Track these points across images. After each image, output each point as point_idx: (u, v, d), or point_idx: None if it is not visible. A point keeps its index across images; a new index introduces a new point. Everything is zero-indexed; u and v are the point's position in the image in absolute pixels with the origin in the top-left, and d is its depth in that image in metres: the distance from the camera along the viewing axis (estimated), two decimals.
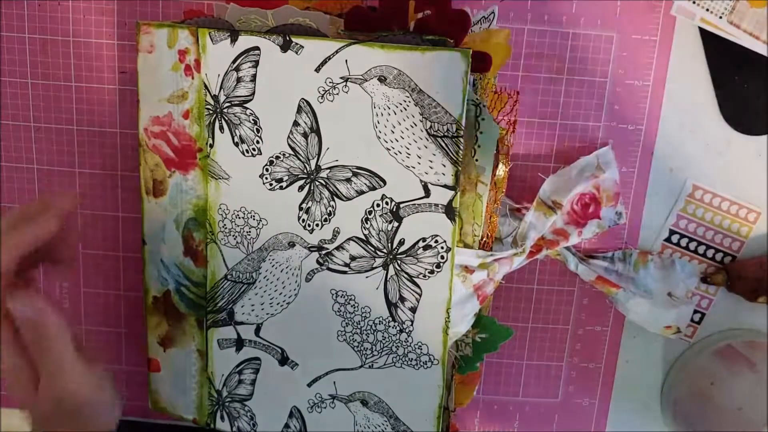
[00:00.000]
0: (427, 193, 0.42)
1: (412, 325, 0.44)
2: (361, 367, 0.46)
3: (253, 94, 0.43)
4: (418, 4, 0.42)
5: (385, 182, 0.42)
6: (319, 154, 0.43)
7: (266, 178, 0.44)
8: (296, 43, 0.41)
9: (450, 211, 0.42)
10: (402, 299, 0.44)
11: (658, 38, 0.46)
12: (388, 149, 0.42)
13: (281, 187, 0.44)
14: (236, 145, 0.44)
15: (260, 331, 0.47)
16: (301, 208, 0.44)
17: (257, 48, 0.42)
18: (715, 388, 0.48)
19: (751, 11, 0.43)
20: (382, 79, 0.41)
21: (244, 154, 0.44)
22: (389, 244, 0.43)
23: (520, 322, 0.51)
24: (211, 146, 0.45)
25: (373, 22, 0.42)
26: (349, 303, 0.45)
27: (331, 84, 0.42)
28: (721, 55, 0.46)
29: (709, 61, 0.47)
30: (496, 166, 0.43)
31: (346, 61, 0.41)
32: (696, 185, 0.49)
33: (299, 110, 0.42)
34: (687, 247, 0.50)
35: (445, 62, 0.40)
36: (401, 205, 0.43)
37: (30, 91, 0.49)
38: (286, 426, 0.48)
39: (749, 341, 0.50)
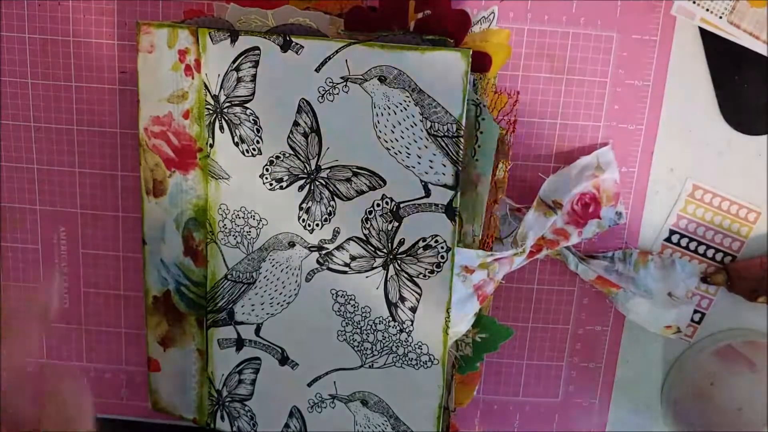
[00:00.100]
0: (427, 193, 0.42)
1: (412, 325, 0.44)
2: (361, 367, 0.46)
3: (253, 94, 0.43)
4: (418, 4, 0.42)
5: (385, 182, 0.42)
6: (319, 154, 0.43)
7: (266, 178, 0.44)
8: (296, 43, 0.41)
9: (450, 211, 0.42)
10: (402, 299, 0.44)
11: (658, 38, 0.46)
12: (388, 149, 0.42)
13: (281, 187, 0.44)
14: (236, 145, 0.44)
15: (260, 330, 0.47)
16: (301, 208, 0.44)
17: (257, 48, 0.42)
18: (715, 388, 0.48)
19: (751, 11, 0.43)
20: (382, 79, 0.41)
21: (244, 154, 0.44)
22: (389, 244, 0.43)
23: (520, 322, 0.51)
24: (211, 146, 0.45)
25: (373, 22, 0.42)
26: (349, 303, 0.45)
27: (331, 84, 0.42)
28: (721, 55, 0.46)
29: (709, 61, 0.47)
30: (496, 166, 0.43)
31: (346, 61, 0.41)
32: (696, 185, 0.49)
33: (299, 110, 0.42)
34: (687, 247, 0.50)
35: (445, 62, 0.40)
36: (401, 205, 0.43)
37: (30, 91, 0.49)
38: (286, 426, 0.48)
39: (749, 341, 0.50)
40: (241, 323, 0.47)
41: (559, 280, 0.50)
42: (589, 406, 0.53)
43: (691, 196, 0.49)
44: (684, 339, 0.51)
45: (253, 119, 0.43)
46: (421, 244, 0.43)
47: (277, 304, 0.46)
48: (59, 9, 0.47)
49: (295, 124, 0.43)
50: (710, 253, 0.50)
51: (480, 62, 0.43)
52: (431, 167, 0.41)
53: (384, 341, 0.45)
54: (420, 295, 0.43)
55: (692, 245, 0.50)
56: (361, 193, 0.43)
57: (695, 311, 0.51)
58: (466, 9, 0.43)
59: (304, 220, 0.44)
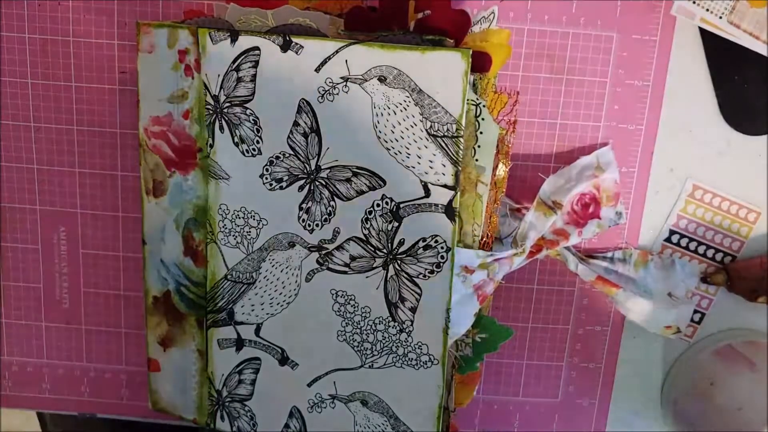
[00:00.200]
0: (427, 193, 0.42)
1: (412, 325, 0.44)
2: (361, 367, 0.46)
3: (253, 94, 0.43)
4: (418, 4, 0.42)
5: (385, 182, 0.42)
6: (319, 154, 0.43)
7: (266, 178, 0.44)
8: (296, 43, 0.41)
9: (450, 211, 0.42)
10: (402, 299, 0.44)
11: (658, 38, 0.46)
12: (388, 149, 0.42)
13: (281, 187, 0.44)
14: (236, 145, 0.44)
15: (260, 331, 0.47)
16: (301, 208, 0.44)
17: (257, 48, 0.42)
18: (715, 388, 0.48)
19: (751, 11, 0.43)
20: (382, 79, 0.41)
21: (244, 154, 0.44)
22: (389, 244, 0.43)
23: (520, 322, 0.51)
24: (211, 146, 0.45)
25: (373, 22, 0.42)
26: (349, 303, 0.45)
27: (331, 84, 0.42)
28: (721, 55, 0.46)
29: (709, 61, 0.47)
30: (496, 166, 0.43)
31: (346, 61, 0.41)
32: (696, 185, 0.49)
33: (299, 110, 0.42)
34: (687, 247, 0.50)
35: (445, 62, 0.40)
36: (401, 205, 0.43)
37: (30, 91, 0.49)
38: (286, 426, 0.48)
39: (749, 341, 0.50)
40: (241, 323, 0.47)
41: (559, 281, 0.50)
42: (589, 406, 0.53)
43: (691, 196, 0.49)
44: (684, 339, 0.51)
45: (253, 119, 0.43)
46: (421, 244, 0.43)
47: (277, 304, 0.46)
48: (59, 9, 0.47)
49: (295, 124, 0.43)
50: (710, 253, 0.50)
51: (480, 62, 0.43)
52: (431, 167, 0.41)
53: (384, 341, 0.45)
54: (420, 295, 0.43)
55: (692, 245, 0.50)
56: (361, 193, 0.43)
57: (695, 311, 0.51)
58: (466, 9, 0.43)
59: (304, 221, 0.44)
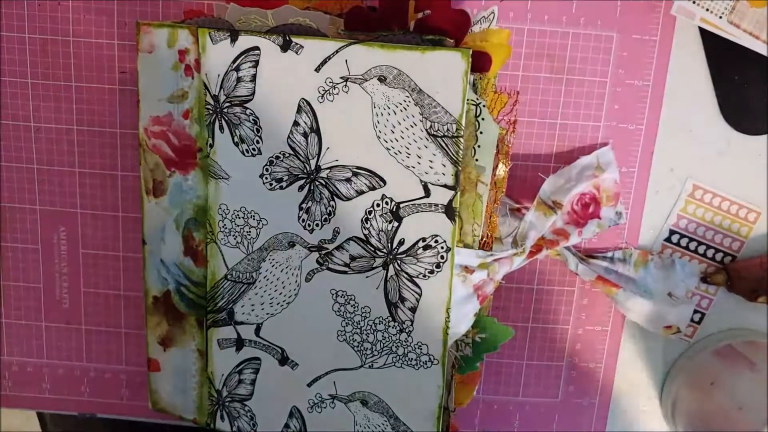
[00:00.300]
0: (427, 193, 0.42)
1: (412, 325, 0.44)
2: (361, 367, 0.46)
3: (253, 94, 0.43)
4: (418, 4, 0.42)
5: (385, 182, 0.42)
6: (319, 154, 0.43)
7: (266, 178, 0.44)
8: (296, 43, 0.41)
9: (450, 211, 0.42)
10: (402, 299, 0.44)
11: (658, 38, 0.46)
12: (388, 149, 0.42)
13: (281, 187, 0.44)
14: (236, 145, 0.44)
15: (260, 331, 0.47)
16: (301, 208, 0.44)
17: (257, 48, 0.42)
18: (715, 388, 0.48)
19: (751, 11, 0.43)
20: (382, 79, 0.41)
21: (244, 154, 0.44)
22: (389, 244, 0.43)
23: (520, 322, 0.51)
24: (211, 146, 0.45)
25: (373, 22, 0.42)
26: (349, 303, 0.45)
27: (331, 84, 0.42)
28: (721, 55, 0.46)
29: (709, 61, 0.47)
30: (496, 166, 0.43)
31: (346, 61, 0.41)
32: (696, 185, 0.49)
33: (299, 110, 0.42)
34: (687, 247, 0.50)
35: (445, 62, 0.40)
36: (401, 205, 0.43)
37: (30, 91, 0.49)
38: (286, 426, 0.48)
39: (749, 341, 0.50)
40: (241, 323, 0.47)
41: (559, 281, 0.50)
42: (589, 406, 0.53)
43: (691, 196, 0.49)
44: (684, 339, 0.51)
45: (253, 119, 0.43)
46: (421, 244, 0.43)
47: (277, 304, 0.46)
48: (59, 9, 0.47)
49: (295, 124, 0.43)
50: (710, 253, 0.50)
51: (480, 62, 0.43)
52: (431, 167, 0.41)
53: (384, 341, 0.45)
54: (420, 295, 0.43)
55: (692, 245, 0.50)
56: (361, 193, 0.43)
57: (695, 311, 0.51)
58: (466, 9, 0.43)
59: (304, 220, 0.44)
